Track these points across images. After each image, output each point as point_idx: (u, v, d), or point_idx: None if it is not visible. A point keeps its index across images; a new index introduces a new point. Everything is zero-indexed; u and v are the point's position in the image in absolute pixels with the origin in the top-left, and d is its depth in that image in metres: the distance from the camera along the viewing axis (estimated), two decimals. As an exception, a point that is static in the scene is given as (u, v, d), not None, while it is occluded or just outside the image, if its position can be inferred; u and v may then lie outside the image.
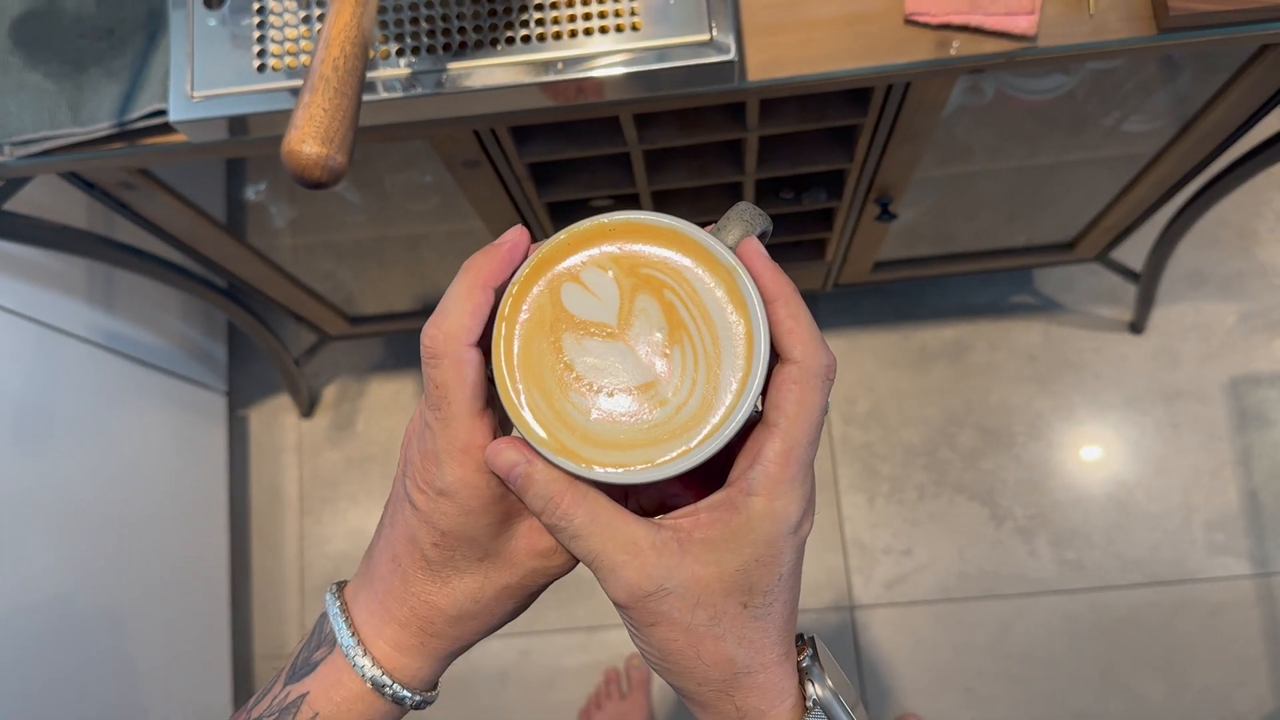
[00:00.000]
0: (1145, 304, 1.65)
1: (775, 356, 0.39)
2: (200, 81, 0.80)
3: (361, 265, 1.47)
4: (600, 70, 0.78)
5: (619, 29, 0.78)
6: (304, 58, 0.80)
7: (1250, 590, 1.60)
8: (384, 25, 0.79)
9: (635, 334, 0.39)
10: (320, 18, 0.80)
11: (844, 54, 0.81)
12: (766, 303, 0.39)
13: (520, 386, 0.39)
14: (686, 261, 0.40)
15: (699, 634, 0.38)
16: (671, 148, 1.03)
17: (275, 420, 1.81)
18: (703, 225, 0.40)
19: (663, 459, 0.37)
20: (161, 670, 1.47)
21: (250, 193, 1.29)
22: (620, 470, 0.37)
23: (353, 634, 0.42)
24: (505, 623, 0.43)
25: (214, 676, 1.62)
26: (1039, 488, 1.67)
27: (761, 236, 0.41)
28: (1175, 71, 1.08)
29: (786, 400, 0.37)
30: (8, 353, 1.20)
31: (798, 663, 0.41)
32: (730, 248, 0.40)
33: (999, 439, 1.70)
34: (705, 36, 0.77)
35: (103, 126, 0.84)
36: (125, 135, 0.85)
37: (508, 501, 0.39)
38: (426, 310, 1.55)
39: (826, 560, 1.67)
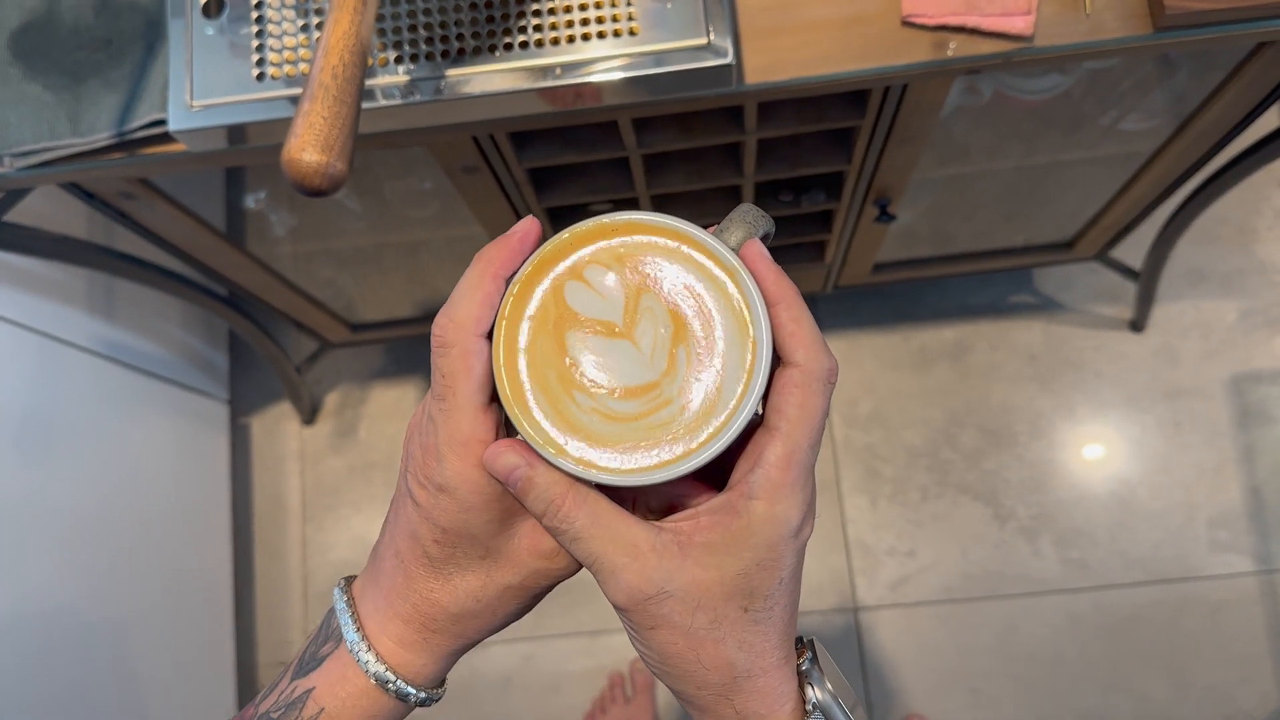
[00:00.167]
0: (1145, 302, 1.65)
1: (777, 359, 0.39)
2: (199, 91, 0.80)
3: (362, 272, 1.47)
4: (598, 75, 0.78)
5: (616, 34, 0.78)
6: (303, 66, 0.80)
7: (1254, 587, 1.60)
8: (382, 33, 0.79)
9: (641, 332, 0.39)
10: (318, 26, 0.80)
11: (841, 56, 0.82)
12: (769, 305, 0.38)
13: (522, 385, 0.39)
14: (690, 262, 0.39)
15: (699, 637, 0.38)
16: (670, 151, 1.03)
17: (277, 428, 1.81)
18: (705, 227, 0.40)
19: (664, 461, 0.37)
20: (165, 679, 1.47)
21: (250, 201, 1.30)
22: (622, 473, 0.37)
23: (358, 630, 0.42)
24: (509, 623, 0.43)
25: (218, 685, 1.62)
26: (1041, 487, 1.67)
27: (764, 238, 0.41)
28: (1172, 70, 1.09)
29: (788, 404, 0.37)
30: (9, 363, 1.21)
31: (798, 665, 0.41)
32: (733, 249, 0.40)
33: (1001, 439, 1.70)
34: (703, 40, 0.78)
35: (102, 137, 0.84)
36: (125, 145, 0.85)
37: (508, 499, 0.39)
38: (427, 316, 1.55)
39: (830, 562, 1.67)
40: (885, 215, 1.18)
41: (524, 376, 0.39)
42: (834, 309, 1.75)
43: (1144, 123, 1.16)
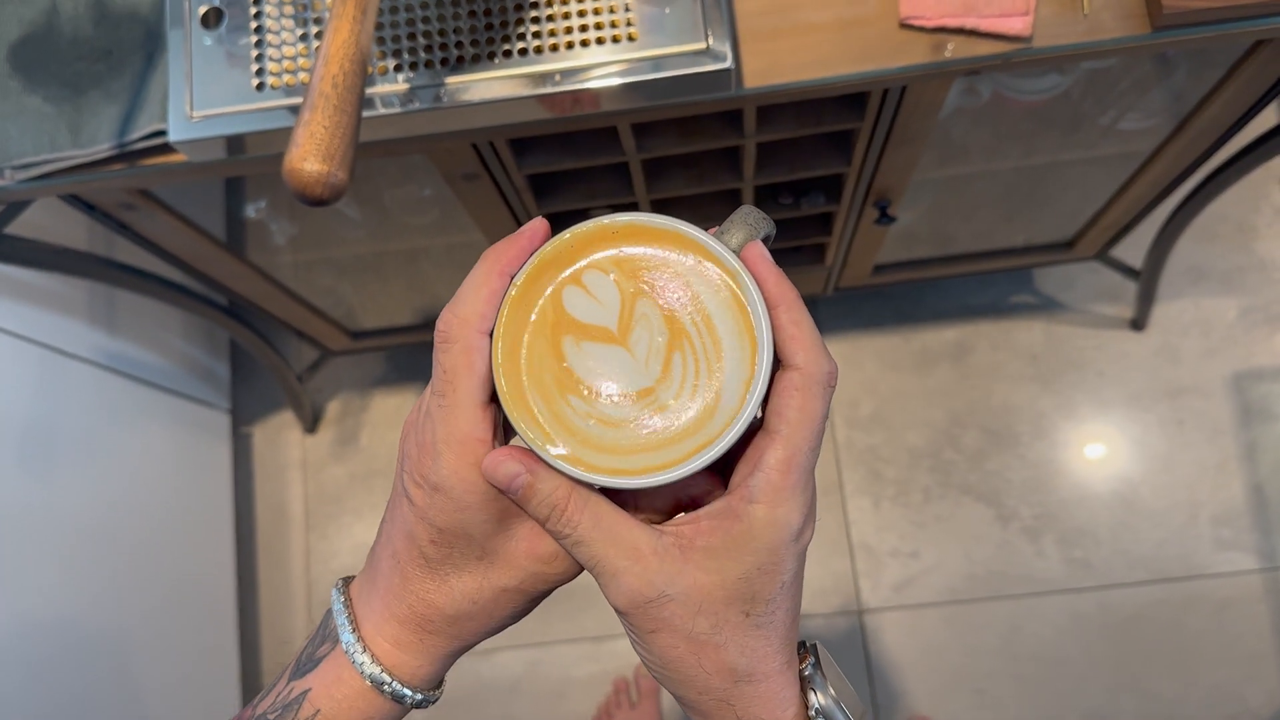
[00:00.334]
0: (1146, 301, 1.65)
1: (777, 362, 0.38)
2: (199, 101, 0.80)
3: (362, 280, 1.47)
4: (598, 81, 0.78)
5: (615, 40, 0.78)
6: (302, 75, 0.80)
7: (1258, 585, 1.60)
8: (381, 41, 0.79)
9: (635, 339, 0.39)
10: (318, 35, 0.80)
11: (840, 59, 0.82)
12: (770, 307, 0.38)
13: (520, 385, 0.38)
14: (690, 266, 0.39)
15: (700, 642, 0.37)
16: (670, 156, 1.04)
17: (279, 437, 1.81)
18: (705, 229, 0.40)
19: (663, 464, 0.37)
20: (169, 689, 1.46)
21: (250, 210, 1.30)
22: (619, 476, 0.37)
23: (353, 631, 0.42)
24: (506, 625, 0.43)
25: (222, 695, 1.62)
26: (1044, 487, 1.67)
27: (765, 240, 0.41)
28: (1170, 69, 1.09)
29: (788, 407, 0.37)
30: (11, 375, 1.21)
31: (800, 670, 0.40)
32: (734, 251, 0.39)
33: (1003, 439, 1.69)
34: (701, 45, 0.78)
35: (103, 148, 0.84)
36: (125, 156, 0.85)
37: (504, 500, 0.39)
38: (428, 324, 1.55)
39: (834, 565, 1.67)
40: (885, 217, 1.18)
41: (523, 377, 0.39)
42: (835, 311, 1.75)
43: (1143, 122, 1.16)
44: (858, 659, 1.64)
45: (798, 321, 0.38)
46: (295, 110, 0.79)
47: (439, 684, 0.45)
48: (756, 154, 1.02)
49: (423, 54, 0.79)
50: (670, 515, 0.41)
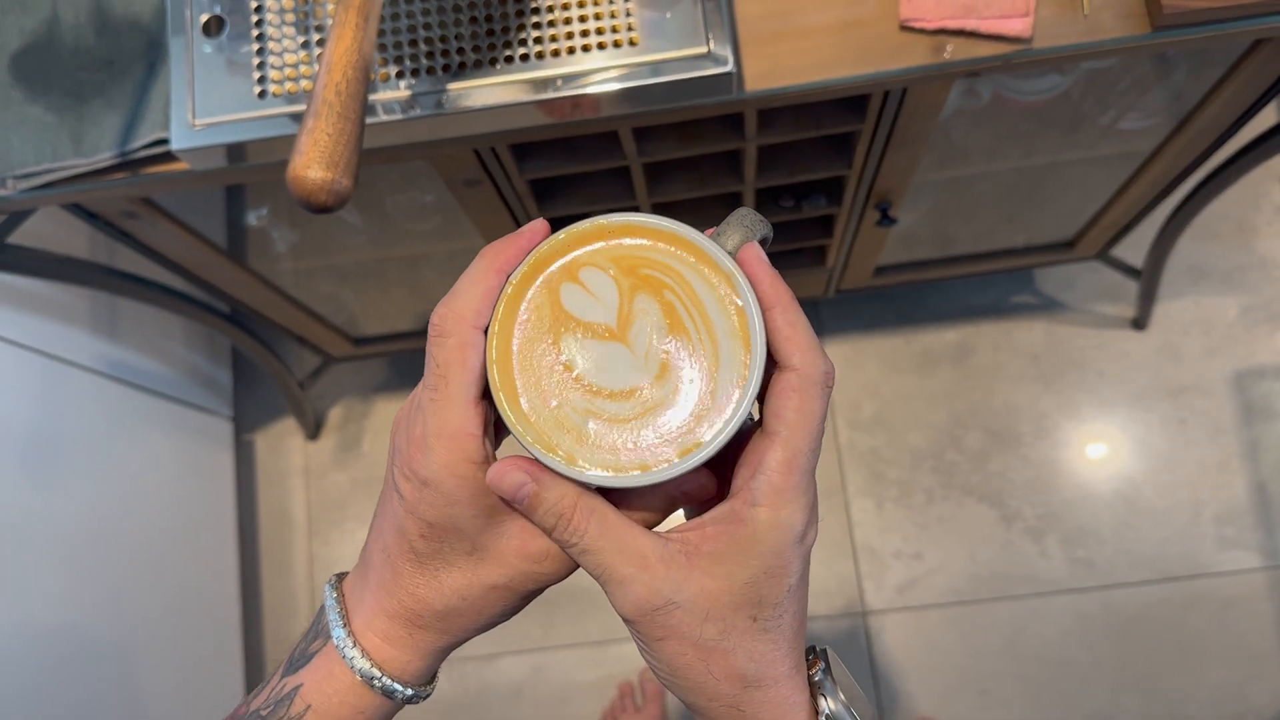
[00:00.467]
0: (1147, 300, 1.65)
1: (773, 363, 0.38)
2: (201, 109, 0.80)
3: (364, 287, 1.47)
4: (599, 86, 0.78)
5: (616, 44, 0.78)
6: (304, 83, 0.80)
7: (1262, 583, 1.60)
8: (383, 48, 0.79)
9: (635, 334, 0.39)
10: (319, 43, 0.81)
11: (840, 62, 0.82)
12: (764, 309, 0.38)
13: (514, 382, 0.38)
14: (686, 263, 0.39)
15: (708, 648, 0.37)
16: (671, 160, 1.04)
17: (281, 444, 1.81)
18: (702, 231, 0.40)
19: (656, 463, 0.37)
20: (173, 696, 1.46)
21: (252, 218, 1.30)
22: (612, 474, 0.37)
23: (344, 626, 0.42)
24: (497, 622, 0.43)
25: (226, 701, 1.62)
26: (1047, 487, 1.67)
27: (762, 242, 0.41)
28: (1169, 68, 1.09)
29: (786, 409, 0.37)
30: (13, 384, 1.21)
31: (811, 676, 0.40)
32: (730, 253, 0.39)
33: (1005, 440, 1.69)
34: (702, 49, 0.78)
35: (105, 157, 0.84)
36: (127, 165, 0.86)
37: (494, 496, 0.38)
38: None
39: (837, 567, 1.67)
40: (886, 219, 1.18)
41: (516, 375, 0.38)
42: (836, 313, 1.75)
43: (1143, 121, 1.17)
44: (862, 661, 1.64)
45: (793, 323, 0.38)
46: (298, 118, 0.79)
47: (431, 679, 0.44)
48: (758, 157, 1.02)
49: (424, 60, 0.79)
50: (666, 513, 0.41)
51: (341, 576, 0.45)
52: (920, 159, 1.06)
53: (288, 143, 0.80)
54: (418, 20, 0.80)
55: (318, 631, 0.44)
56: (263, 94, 0.80)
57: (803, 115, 0.96)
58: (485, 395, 0.39)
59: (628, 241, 0.40)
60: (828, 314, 1.75)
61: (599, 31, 0.79)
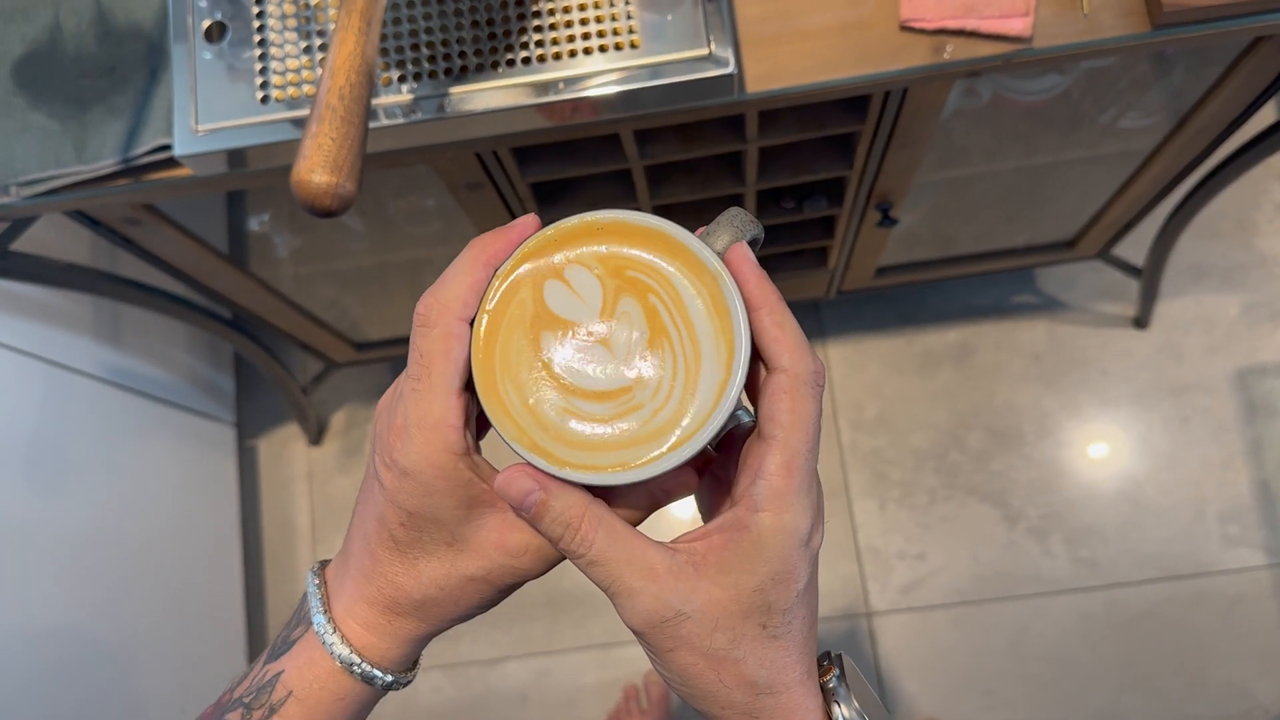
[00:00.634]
0: (1148, 299, 1.65)
1: (763, 365, 0.38)
2: (204, 115, 0.80)
3: (366, 291, 1.47)
4: (601, 89, 0.78)
5: (618, 47, 0.79)
6: (307, 88, 0.80)
7: (1267, 581, 1.60)
8: (385, 52, 0.80)
9: (615, 335, 0.39)
10: (321, 48, 0.81)
11: (841, 63, 0.82)
12: (752, 310, 0.38)
13: (495, 377, 0.38)
14: (672, 265, 0.39)
15: (719, 658, 0.37)
16: (672, 162, 1.04)
17: (284, 449, 1.81)
18: (694, 230, 0.40)
19: (636, 463, 0.37)
20: (178, 703, 1.46)
21: (254, 223, 1.30)
22: (590, 473, 0.37)
23: (325, 613, 0.42)
24: (475, 613, 0.43)
25: (232, 708, 1.61)
26: (1050, 487, 1.67)
27: (752, 244, 0.41)
28: (1168, 67, 1.09)
29: (779, 410, 0.37)
30: (17, 392, 1.21)
31: (825, 683, 0.40)
32: (718, 253, 0.39)
33: (1007, 440, 1.69)
34: (704, 51, 0.78)
35: (108, 164, 0.84)
36: (130, 171, 0.86)
37: (475, 488, 0.38)
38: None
39: (841, 568, 1.67)
40: (888, 219, 1.18)
41: (499, 369, 0.39)
42: (838, 314, 1.75)
43: (1142, 120, 1.17)
44: (867, 662, 1.64)
45: (780, 323, 0.38)
46: (300, 123, 0.80)
47: (411, 667, 0.45)
48: (759, 159, 1.02)
49: (426, 64, 0.80)
50: (648, 511, 0.41)
51: (325, 564, 0.45)
52: (921, 159, 1.06)
53: (290, 148, 0.80)
54: (419, 24, 0.80)
55: (299, 618, 0.44)
56: (265, 99, 0.80)
57: (804, 116, 0.96)
58: (468, 387, 0.39)
59: (616, 240, 0.40)
60: (829, 315, 1.75)
61: (600, 34, 0.79)
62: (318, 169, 0.54)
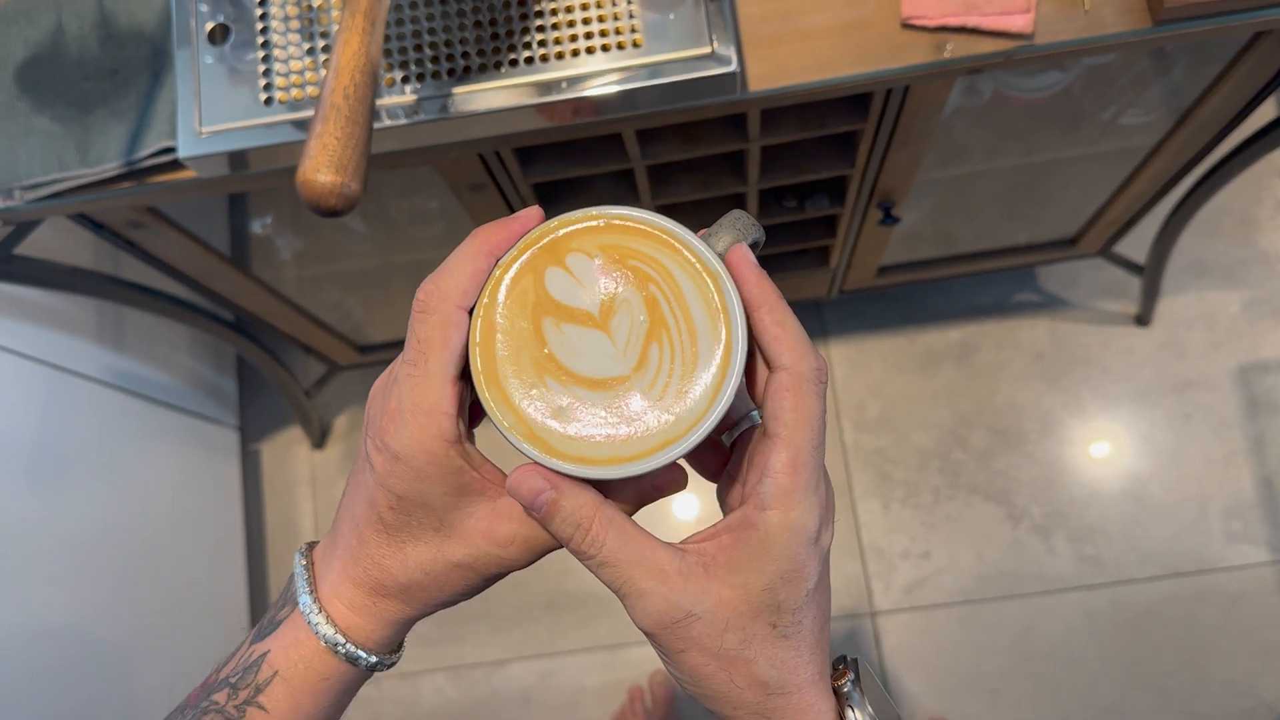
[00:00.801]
0: (1150, 296, 1.65)
1: (765, 364, 0.38)
2: (207, 117, 0.81)
3: (368, 294, 1.47)
4: (604, 88, 0.79)
5: (620, 46, 0.79)
6: (310, 89, 0.80)
7: (1270, 577, 1.60)
8: (388, 53, 0.80)
9: (616, 324, 0.39)
10: (324, 49, 0.81)
11: (843, 61, 0.82)
12: (752, 309, 0.38)
13: (495, 366, 0.39)
14: (673, 262, 0.40)
15: (729, 658, 0.37)
16: (674, 162, 1.04)
17: (287, 453, 1.81)
18: (696, 231, 0.41)
19: (630, 457, 0.37)
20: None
21: (256, 226, 1.30)
22: (584, 465, 0.37)
23: (311, 593, 0.42)
24: (459, 599, 0.43)
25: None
26: (1054, 485, 1.67)
27: (753, 246, 0.41)
28: (1168, 64, 1.09)
29: (782, 409, 0.37)
30: (20, 396, 1.21)
31: (839, 687, 0.40)
32: (719, 254, 0.40)
33: (1011, 438, 1.70)
34: (706, 49, 0.78)
35: (111, 166, 0.85)
36: (134, 174, 0.86)
37: (465, 475, 0.39)
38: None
39: (845, 568, 1.67)
40: (890, 218, 1.18)
41: (498, 359, 0.39)
42: (840, 314, 1.76)
43: (1143, 117, 1.17)
44: (871, 662, 1.64)
45: (781, 322, 0.38)
46: (304, 124, 0.80)
47: (397, 648, 0.45)
48: (761, 158, 1.03)
49: (429, 65, 0.80)
50: (637, 505, 0.41)
51: (312, 545, 0.45)
52: (923, 158, 1.06)
53: (295, 149, 0.80)
54: (422, 25, 0.80)
55: (286, 599, 0.44)
56: (268, 101, 0.80)
57: (806, 115, 0.96)
58: (463, 375, 0.39)
59: (617, 236, 0.40)
60: (831, 315, 1.76)
61: (603, 34, 0.79)
62: (323, 168, 0.54)
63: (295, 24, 0.81)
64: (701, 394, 0.38)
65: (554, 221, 0.40)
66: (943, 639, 1.64)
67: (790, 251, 1.37)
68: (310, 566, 0.44)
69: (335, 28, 0.77)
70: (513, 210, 1.06)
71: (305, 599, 0.42)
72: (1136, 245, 1.57)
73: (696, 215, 1.18)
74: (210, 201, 1.34)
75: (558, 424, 0.38)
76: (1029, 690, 1.61)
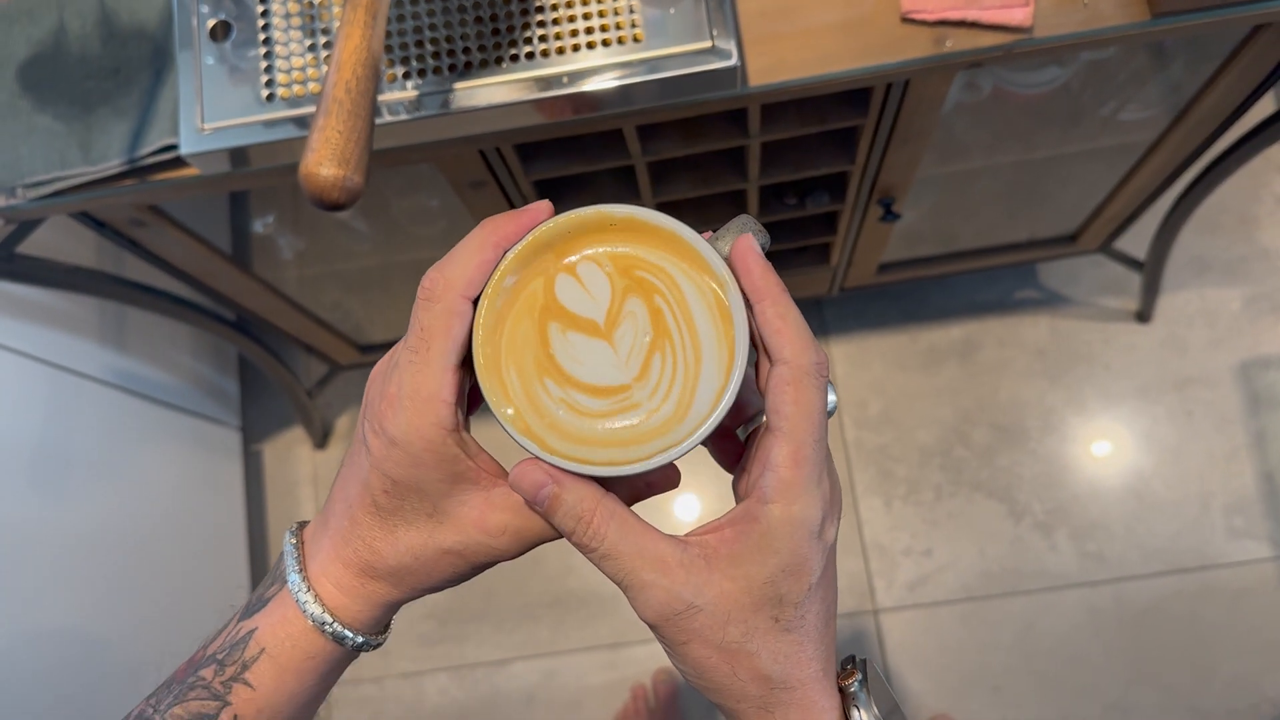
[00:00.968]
0: (1151, 293, 1.66)
1: (767, 358, 0.39)
2: (209, 114, 0.81)
3: (369, 293, 1.48)
4: (605, 82, 0.79)
5: (621, 41, 0.79)
6: (311, 86, 0.80)
7: (1273, 573, 1.60)
8: (389, 49, 0.80)
9: (620, 335, 0.39)
10: (326, 46, 0.81)
11: (843, 55, 0.82)
12: (755, 301, 0.39)
13: (497, 359, 0.39)
14: (680, 267, 0.40)
15: (732, 651, 0.37)
16: (675, 158, 1.04)
17: (289, 453, 1.81)
18: (702, 232, 0.41)
19: (624, 460, 0.38)
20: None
21: (258, 226, 1.30)
22: (578, 464, 0.38)
23: (300, 572, 0.43)
24: (447, 585, 0.43)
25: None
26: (1056, 482, 1.67)
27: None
28: (1167, 59, 1.09)
29: (784, 402, 0.37)
30: (22, 396, 1.21)
31: (846, 686, 0.40)
32: (725, 258, 0.40)
33: (1012, 435, 1.70)
34: (706, 44, 0.78)
35: (113, 164, 0.85)
36: (136, 172, 0.86)
37: (461, 464, 0.39)
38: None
39: (847, 565, 1.67)
40: (890, 215, 1.18)
41: (501, 352, 0.39)
42: (841, 312, 1.76)
43: (1142, 113, 1.17)
44: (874, 659, 1.63)
45: (783, 315, 0.38)
46: (305, 121, 0.80)
47: (383, 630, 0.45)
48: (761, 154, 1.03)
49: (430, 60, 0.80)
50: (629, 502, 0.41)
51: (303, 525, 0.45)
52: (923, 154, 1.06)
53: (297, 145, 0.80)
54: (423, 21, 0.80)
55: (275, 577, 0.44)
56: (270, 97, 0.81)
57: (806, 111, 0.97)
58: (463, 365, 0.39)
59: (627, 238, 0.40)
60: (832, 313, 1.76)
61: (603, 29, 0.79)
62: (325, 162, 0.55)
63: (296, 21, 0.82)
64: (703, 402, 0.38)
65: (563, 218, 0.40)
66: (945, 636, 1.64)
67: (791, 249, 1.37)
68: (300, 545, 0.44)
69: (336, 24, 0.77)
70: (514, 208, 1.06)
71: (294, 577, 0.42)
72: (1137, 241, 1.57)
73: (698, 212, 1.18)
74: (212, 200, 1.34)
75: (556, 422, 0.38)
76: (1032, 687, 1.61)
